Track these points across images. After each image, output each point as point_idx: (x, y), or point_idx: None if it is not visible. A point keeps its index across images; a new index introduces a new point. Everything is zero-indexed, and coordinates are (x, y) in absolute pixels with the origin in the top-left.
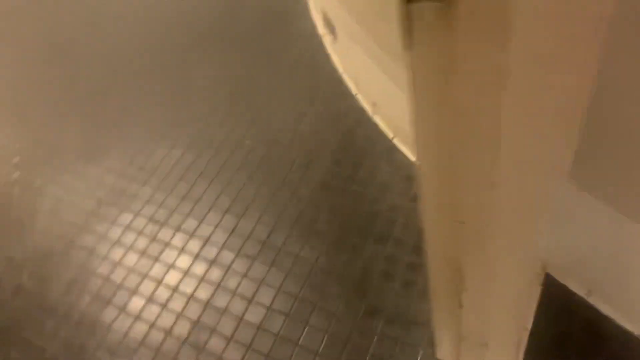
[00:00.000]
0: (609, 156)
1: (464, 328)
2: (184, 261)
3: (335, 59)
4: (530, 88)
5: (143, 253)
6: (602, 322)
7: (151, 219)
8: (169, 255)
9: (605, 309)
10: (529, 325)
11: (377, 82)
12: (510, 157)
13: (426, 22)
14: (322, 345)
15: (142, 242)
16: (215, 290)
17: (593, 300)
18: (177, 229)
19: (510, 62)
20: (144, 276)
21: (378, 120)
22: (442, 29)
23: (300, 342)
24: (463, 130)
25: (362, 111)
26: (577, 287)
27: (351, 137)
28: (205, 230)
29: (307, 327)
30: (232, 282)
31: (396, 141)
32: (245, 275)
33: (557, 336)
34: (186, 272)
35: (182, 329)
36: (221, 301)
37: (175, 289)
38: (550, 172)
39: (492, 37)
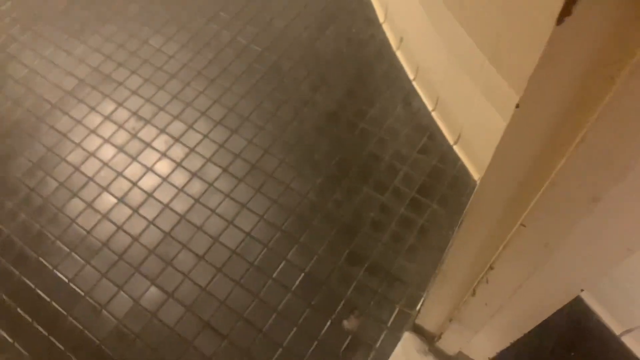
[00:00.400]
0: None
1: (464, 313)
2: (164, 167)
3: None
4: None
5: (121, 149)
6: (587, 317)
7: (135, 114)
8: (148, 156)
9: (592, 303)
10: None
11: (410, 15)
12: (631, 184)
13: None
14: (297, 284)
15: (121, 137)
16: (193, 205)
17: (583, 294)
18: (162, 130)
19: None
20: (118, 174)
21: (401, 56)
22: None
23: (274, 276)
24: (589, 141)
25: (386, 43)
26: None
27: (369, 69)
28: (193, 138)
29: (284, 262)
30: (212, 200)
31: (416, 84)
32: (227, 196)
33: (540, 326)
34: (165, 179)
35: (152, 237)
36: (198, 217)
37: (150, 194)
38: None
39: None
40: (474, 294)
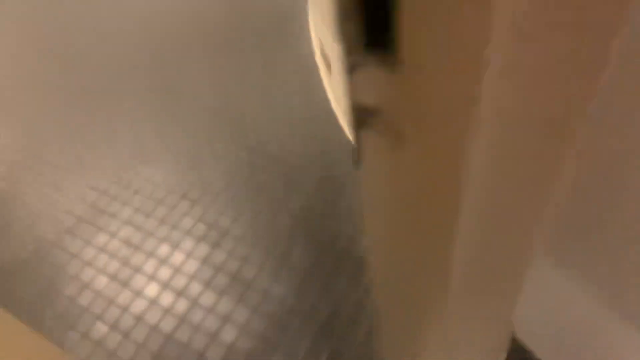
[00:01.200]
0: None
1: None
2: (152, 290)
3: (329, 91)
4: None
5: (113, 277)
6: None
7: (126, 242)
8: (138, 282)
9: None
10: None
11: None
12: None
13: (374, 146)
14: None
15: (113, 266)
16: (180, 324)
17: None
18: (150, 254)
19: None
20: (110, 302)
21: None
22: (389, 154)
23: None
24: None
25: (349, 145)
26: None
27: (334, 171)
28: (178, 258)
29: None
30: (196, 317)
31: None
32: (211, 311)
33: None
34: (153, 302)
35: None
36: (183, 335)
37: (139, 318)
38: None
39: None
40: None
